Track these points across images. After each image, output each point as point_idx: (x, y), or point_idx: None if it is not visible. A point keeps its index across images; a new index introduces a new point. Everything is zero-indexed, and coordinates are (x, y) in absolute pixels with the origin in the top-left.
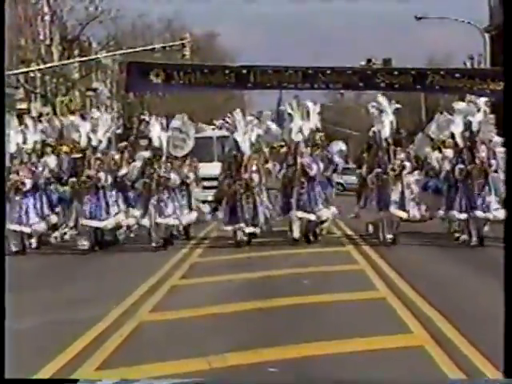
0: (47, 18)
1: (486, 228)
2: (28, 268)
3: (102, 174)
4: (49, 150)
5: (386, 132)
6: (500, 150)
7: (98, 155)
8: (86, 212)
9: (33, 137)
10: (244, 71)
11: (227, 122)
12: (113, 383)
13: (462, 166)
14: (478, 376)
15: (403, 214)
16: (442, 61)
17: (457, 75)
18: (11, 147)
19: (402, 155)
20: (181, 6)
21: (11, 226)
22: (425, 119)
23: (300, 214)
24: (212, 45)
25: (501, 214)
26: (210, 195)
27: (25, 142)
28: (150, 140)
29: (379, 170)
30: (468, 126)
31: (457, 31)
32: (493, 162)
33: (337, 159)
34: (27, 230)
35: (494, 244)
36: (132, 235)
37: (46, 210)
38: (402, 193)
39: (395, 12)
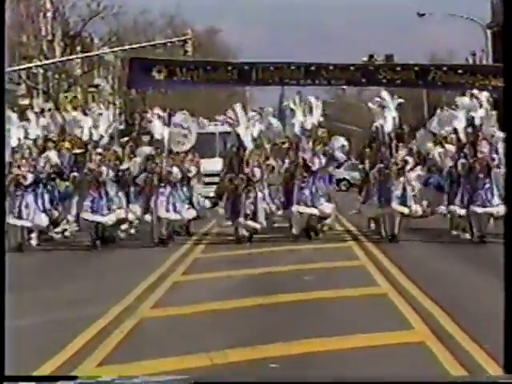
0: (49, 14)
1: (490, 224)
2: (28, 265)
3: (103, 168)
4: (51, 145)
5: (389, 127)
6: (503, 146)
7: (99, 150)
8: (87, 207)
9: (35, 132)
10: (246, 68)
11: (229, 117)
12: (111, 380)
13: (464, 160)
14: (479, 372)
15: (405, 210)
16: (445, 57)
17: (459, 71)
18: (13, 142)
19: (405, 151)
20: (182, 2)
21: (11, 221)
22: (427, 115)
23: (301, 208)
24: (214, 41)
25: (502, 209)
26: (211, 191)
27: (26, 137)
28: (151, 136)
29: (381, 165)
30: (471, 121)
31: (459, 28)
32: (495, 156)
33: (338, 155)
34: (27, 224)
35: (495, 240)
36: (132, 231)
37: (47, 205)
38: (404, 188)
39: (397, 8)
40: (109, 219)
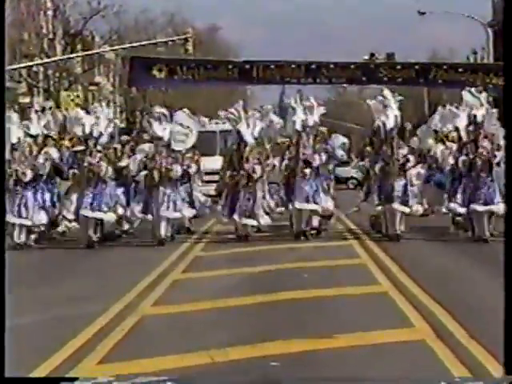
0: (50, 12)
1: (492, 222)
2: (28, 263)
3: (103, 166)
4: (51, 143)
5: (391, 125)
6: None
7: (99, 148)
8: (86, 203)
9: (35, 129)
10: (247, 66)
11: (231, 113)
12: (110, 381)
13: (465, 158)
14: (479, 370)
15: (406, 210)
16: (445, 55)
17: (460, 69)
18: (13, 139)
19: (406, 148)
20: (183, 1)
21: (11, 219)
22: (428, 113)
23: (301, 205)
24: (214, 39)
25: (503, 207)
26: (211, 189)
27: (27, 135)
28: (152, 134)
29: (382, 162)
30: (472, 119)
31: (460, 26)
32: (497, 154)
33: (339, 153)
34: (27, 222)
35: (496, 238)
36: (133, 228)
37: (47, 203)
38: (405, 187)
39: (398, 7)
40: (108, 216)
